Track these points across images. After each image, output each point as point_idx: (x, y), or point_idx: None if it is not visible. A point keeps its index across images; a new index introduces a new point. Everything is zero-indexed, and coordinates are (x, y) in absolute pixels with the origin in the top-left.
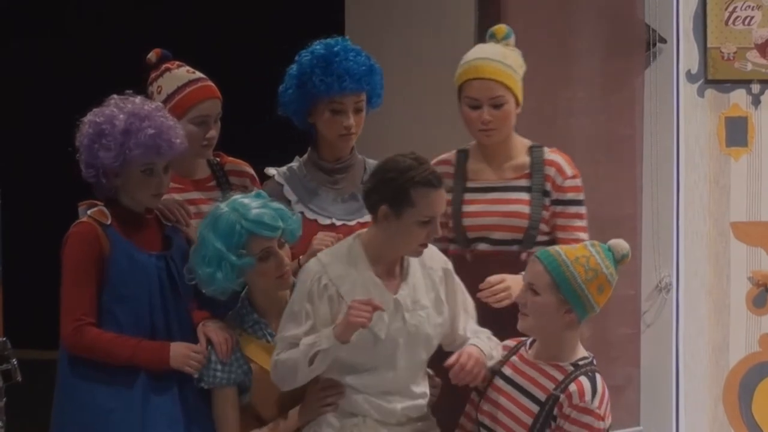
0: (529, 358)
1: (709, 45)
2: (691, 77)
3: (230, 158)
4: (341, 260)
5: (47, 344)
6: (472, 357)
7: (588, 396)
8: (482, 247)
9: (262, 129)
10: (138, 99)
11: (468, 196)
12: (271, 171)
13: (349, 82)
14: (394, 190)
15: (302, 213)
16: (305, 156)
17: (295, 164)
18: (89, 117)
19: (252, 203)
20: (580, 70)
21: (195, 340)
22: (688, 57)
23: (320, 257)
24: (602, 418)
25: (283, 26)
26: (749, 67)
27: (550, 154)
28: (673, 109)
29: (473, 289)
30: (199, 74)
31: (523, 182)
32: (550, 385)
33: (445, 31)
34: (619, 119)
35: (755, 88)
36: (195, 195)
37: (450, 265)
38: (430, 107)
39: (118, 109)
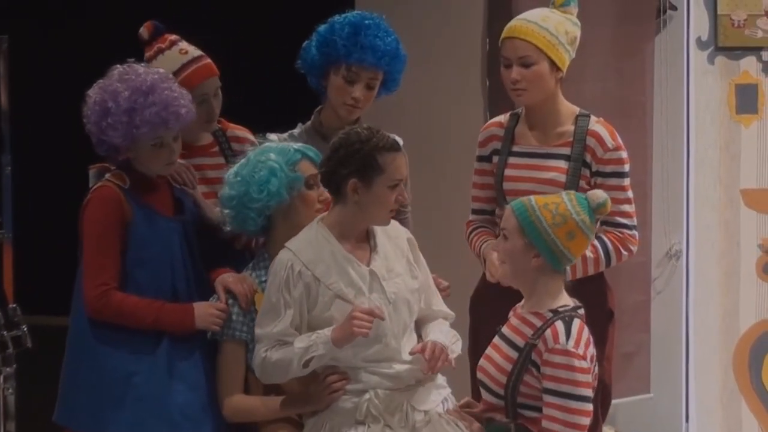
0: (520, 311)
1: (719, 12)
2: (701, 44)
3: (231, 124)
4: (310, 245)
5: (57, 310)
6: (437, 345)
7: (562, 338)
8: None
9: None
10: (141, 69)
11: (511, 159)
12: (272, 137)
13: (370, 56)
14: (361, 160)
15: None
16: (308, 122)
17: (296, 130)
18: (94, 91)
19: None
20: (591, 36)
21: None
22: (699, 24)
23: (288, 246)
24: (582, 357)
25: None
26: (759, 34)
27: (595, 125)
28: (683, 76)
29: None
30: (192, 52)
31: (564, 150)
32: (529, 332)
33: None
34: (630, 86)
35: (766, 55)
36: (199, 161)
37: (411, 236)
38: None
39: (122, 83)
